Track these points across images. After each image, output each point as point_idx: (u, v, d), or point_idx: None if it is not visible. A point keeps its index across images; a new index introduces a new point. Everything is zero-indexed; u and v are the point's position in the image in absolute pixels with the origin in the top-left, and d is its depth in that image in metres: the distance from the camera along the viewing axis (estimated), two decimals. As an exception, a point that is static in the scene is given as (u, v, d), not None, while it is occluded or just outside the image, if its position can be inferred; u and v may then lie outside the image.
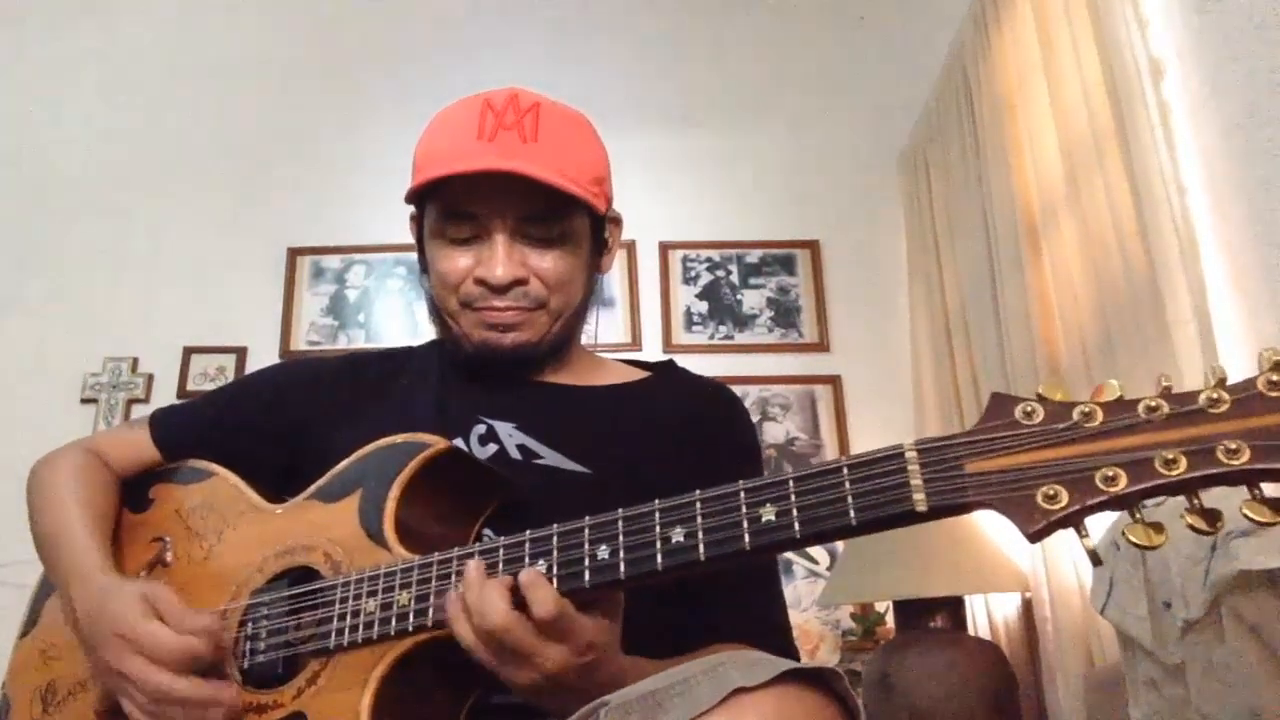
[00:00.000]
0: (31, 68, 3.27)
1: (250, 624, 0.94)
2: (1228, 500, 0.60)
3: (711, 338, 3.10)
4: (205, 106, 3.30)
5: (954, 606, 2.19)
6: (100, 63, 3.29)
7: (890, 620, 2.53)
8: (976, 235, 2.56)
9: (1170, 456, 0.59)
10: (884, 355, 3.05)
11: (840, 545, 2.68)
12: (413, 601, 0.84)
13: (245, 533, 1.02)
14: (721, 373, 2.75)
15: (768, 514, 0.72)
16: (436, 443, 0.95)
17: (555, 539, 0.80)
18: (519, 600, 0.78)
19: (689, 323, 3.11)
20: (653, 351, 3.00)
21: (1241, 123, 1.52)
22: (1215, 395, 0.60)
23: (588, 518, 0.79)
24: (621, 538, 0.77)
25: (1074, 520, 0.62)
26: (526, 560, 0.80)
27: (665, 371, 1.20)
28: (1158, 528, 0.61)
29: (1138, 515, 0.62)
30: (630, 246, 3.12)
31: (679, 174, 3.25)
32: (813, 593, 2.73)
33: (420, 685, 0.87)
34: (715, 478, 0.76)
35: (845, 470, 0.70)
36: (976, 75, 2.56)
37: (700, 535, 0.74)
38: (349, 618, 0.87)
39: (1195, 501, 0.60)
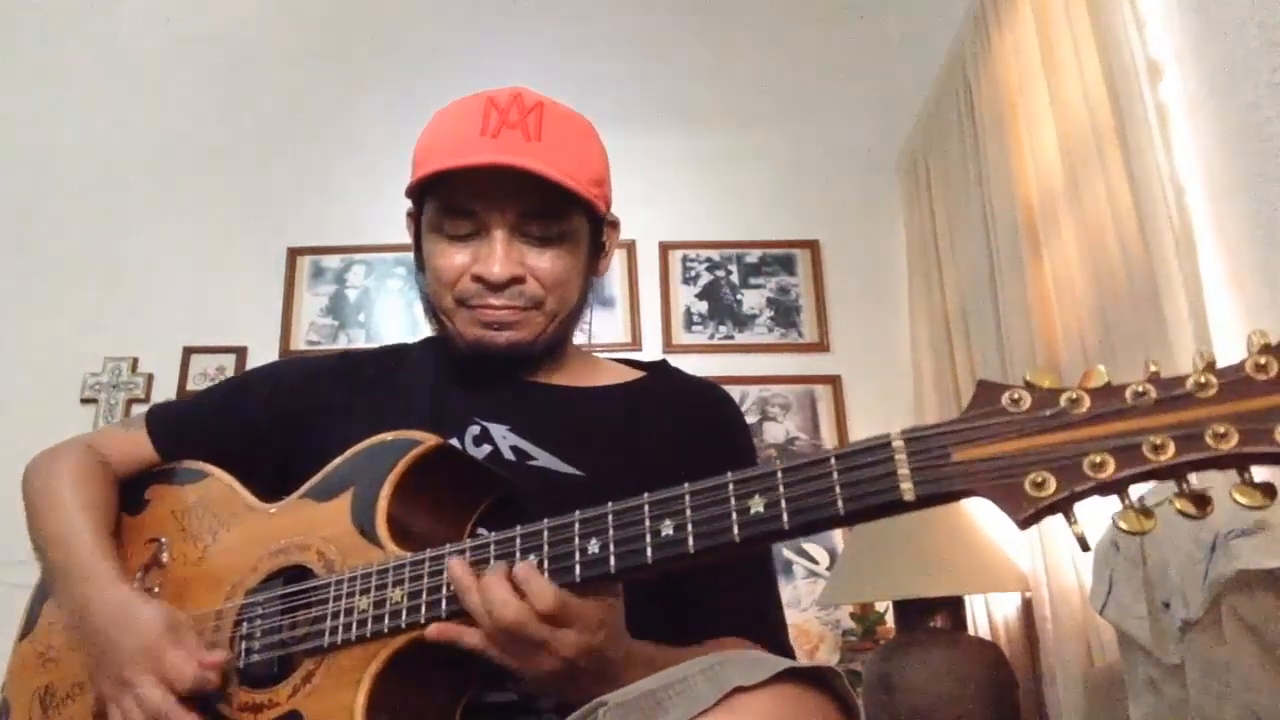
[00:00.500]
0: (31, 68, 3.28)
1: (245, 624, 0.95)
2: (1221, 493, 0.60)
3: (711, 338, 3.09)
4: (205, 106, 3.30)
5: (954, 606, 2.18)
6: (100, 62, 3.30)
7: (890, 620, 2.52)
8: (976, 235, 2.55)
9: (1158, 441, 0.59)
10: (884, 355, 3.04)
11: (840, 545, 2.68)
12: (405, 599, 0.84)
13: (239, 533, 1.03)
14: (721, 373, 2.75)
15: (756, 505, 0.71)
16: (428, 440, 0.95)
17: (546, 534, 0.80)
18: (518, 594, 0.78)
19: (689, 323, 3.10)
20: (653, 351, 2.99)
21: (1240, 123, 1.51)
22: (1203, 379, 0.59)
23: (578, 512, 0.79)
24: (611, 532, 0.77)
25: (1062, 507, 0.61)
26: (518, 555, 0.80)
27: (659, 372, 1.20)
28: (1148, 513, 0.60)
29: (1127, 501, 0.61)
30: (630, 246, 3.11)
31: (679, 174, 3.24)
32: (812, 593, 2.72)
33: (415, 682, 0.87)
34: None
35: (833, 461, 0.70)
36: (976, 75, 2.55)
37: (689, 528, 0.74)
38: (342, 616, 0.87)
39: (1184, 486, 0.60)
